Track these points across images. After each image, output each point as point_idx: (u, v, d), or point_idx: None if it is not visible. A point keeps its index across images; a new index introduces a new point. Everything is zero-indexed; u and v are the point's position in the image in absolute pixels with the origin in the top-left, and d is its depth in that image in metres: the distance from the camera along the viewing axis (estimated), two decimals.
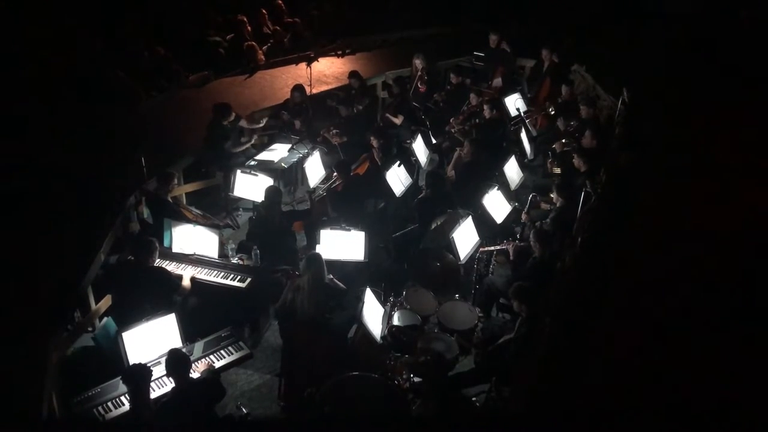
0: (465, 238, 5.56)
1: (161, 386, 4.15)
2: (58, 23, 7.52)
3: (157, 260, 5.02)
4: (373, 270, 5.65)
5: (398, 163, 6.53)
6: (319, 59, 9.07)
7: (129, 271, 4.96)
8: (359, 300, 4.80)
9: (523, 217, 6.06)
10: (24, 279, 4.54)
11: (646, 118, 6.35)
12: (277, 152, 7.12)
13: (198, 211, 6.04)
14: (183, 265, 5.29)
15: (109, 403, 3.99)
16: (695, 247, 4.14)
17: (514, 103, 7.96)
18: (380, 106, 8.97)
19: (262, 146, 7.31)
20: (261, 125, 7.45)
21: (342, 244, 5.35)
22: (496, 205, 6.05)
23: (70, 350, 4.79)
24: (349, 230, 5.34)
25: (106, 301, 5.25)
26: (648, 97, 6.82)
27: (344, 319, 5.06)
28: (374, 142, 6.81)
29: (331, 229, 5.35)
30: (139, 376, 3.69)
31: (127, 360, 4.14)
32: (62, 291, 4.56)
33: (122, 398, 4.00)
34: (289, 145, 7.12)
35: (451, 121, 7.90)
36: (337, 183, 6.30)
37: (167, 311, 4.47)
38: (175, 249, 5.35)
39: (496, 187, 6.13)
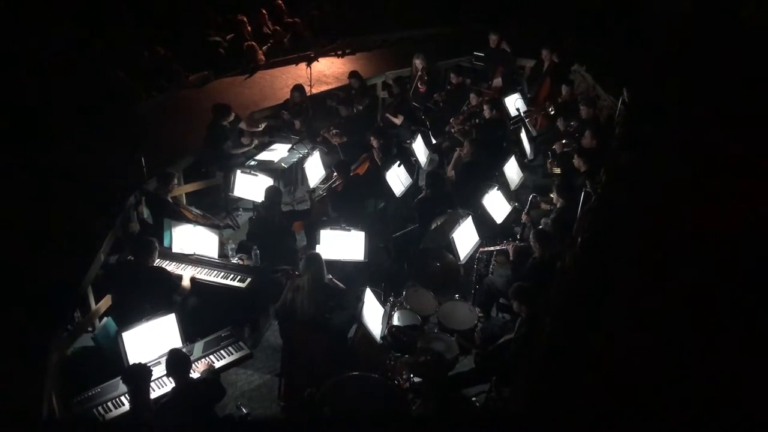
0: (465, 238, 5.56)
1: (161, 386, 4.15)
2: (59, 23, 7.51)
3: (157, 260, 5.03)
4: (373, 270, 5.65)
5: (398, 163, 6.53)
6: (319, 59, 9.08)
7: (129, 271, 4.95)
8: (359, 300, 4.80)
9: (524, 217, 6.06)
10: (24, 279, 4.54)
11: (646, 118, 6.35)
12: (277, 152, 7.12)
13: (198, 211, 6.04)
14: (183, 265, 5.29)
15: (109, 403, 3.99)
16: (695, 247, 4.14)
17: (514, 103, 7.96)
18: (380, 106, 8.98)
19: (262, 146, 7.31)
20: (260, 129, 7.43)
21: (342, 244, 5.35)
22: (496, 205, 6.05)
23: (70, 350, 4.80)
24: (349, 230, 5.34)
25: (106, 301, 5.25)
26: (648, 97, 6.82)
27: (344, 319, 5.06)
28: (374, 142, 6.81)
29: (331, 229, 5.36)
30: (139, 376, 3.69)
31: (127, 360, 4.14)
32: (62, 291, 4.56)
33: (122, 398, 4.00)
34: (289, 145, 7.12)
35: (451, 121, 7.90)
36: (337, 183, 6.30)
37: (167, 311, 4.47)
38: (175, 249, 5.35)
39: (496, 187, 6.13)
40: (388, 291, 5.48)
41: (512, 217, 6.25)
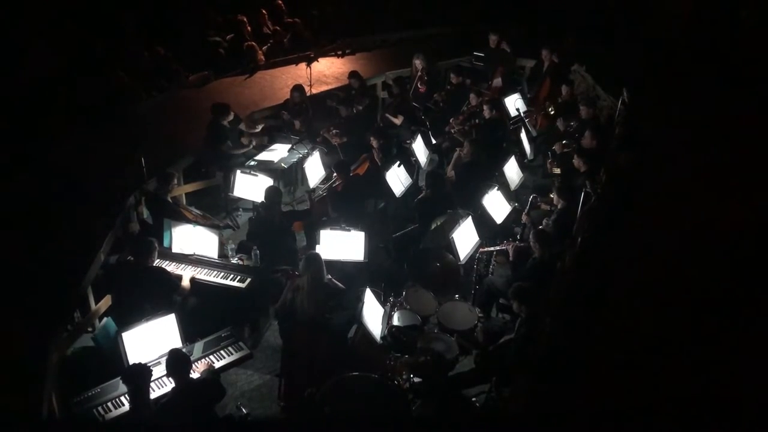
0: (465, 238, 5.56)
1: (161, 386, 4.15)
2: (58, 23, 7.52)
3: (157, 260, 5.02)
4: (373, 270, 5.64)
5: (398, 163, 6.53)
6: (319, 59, 9.08)
7: (129, 271, 4.96)
8: (359, 300, 4.80)
9: (524, 218, 6.06)
10: (24, 279, 4.54)
11: (646, 118, 6.35)
12: (277, 152, 7.12)
13: (198, 212, 6.05)
14: (183, 265, 5.29)
15: (109, 403, 3.99)
16: (695, 247, 4.14)
17: (514, 103, 7.96)
18: (380, 106, 8.97)
19: (262, 146, 7.31)
20: (258, 130, 7.43)
21: (342, 245, 5.35)
22: (496, 205, 6.05)
23: (70, 350, 4.80)
24: (349, 230, 5.34)
25: (106, 301, 5.25)
26: (648, 97, 6.82)
27: (344, 319, 5.06)
28: (374, 143, 6.81)
29: (331, 229, 5.36)
30: (139, 376, 3.69)
31: (127, 360, 4.14)
32: (62, 291, 4.56)
33: (122, 398, 4.00)
34: (289, 145, 7.12)
35: (451, 121, 7.90)
36: (337, 183, 6.30)
37: (167, 311, 4.47)
38: (175, 249, 5.34)
39: (496, 188, 6.13)
40: (388, 291, 5.47)
41: (512, 218, 6.25)
